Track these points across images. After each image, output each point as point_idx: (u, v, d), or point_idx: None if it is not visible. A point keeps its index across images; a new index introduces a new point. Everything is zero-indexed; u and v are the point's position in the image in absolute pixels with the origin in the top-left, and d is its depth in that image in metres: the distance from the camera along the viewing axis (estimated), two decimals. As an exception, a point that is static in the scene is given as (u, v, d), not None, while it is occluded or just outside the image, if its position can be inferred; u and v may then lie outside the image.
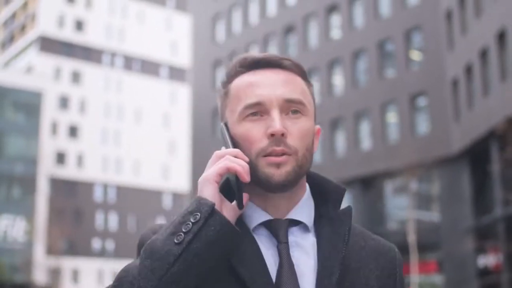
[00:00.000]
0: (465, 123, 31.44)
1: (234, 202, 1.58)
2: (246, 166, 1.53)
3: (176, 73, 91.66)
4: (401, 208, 35.56)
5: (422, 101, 36.10)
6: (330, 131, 39.72)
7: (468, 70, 31.09)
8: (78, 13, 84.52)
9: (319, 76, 41.10)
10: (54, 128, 78.59)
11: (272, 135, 1.55)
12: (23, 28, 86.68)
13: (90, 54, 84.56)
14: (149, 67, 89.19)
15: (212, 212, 1.48)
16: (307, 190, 1.68)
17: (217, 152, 1.57)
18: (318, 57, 41.41)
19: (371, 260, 1.66)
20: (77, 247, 77.01)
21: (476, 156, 30.90)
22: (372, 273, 1.64)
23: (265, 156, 1.56)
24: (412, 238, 31.13)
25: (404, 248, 30.14)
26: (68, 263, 71.62)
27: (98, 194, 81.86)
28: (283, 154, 1.55)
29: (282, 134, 1.54)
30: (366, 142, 38.50)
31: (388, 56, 38.12)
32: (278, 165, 1.55)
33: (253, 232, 1.61)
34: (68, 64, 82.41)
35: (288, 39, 44.16)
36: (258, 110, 1.58)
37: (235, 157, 1.54)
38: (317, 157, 39.16)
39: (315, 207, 1.68)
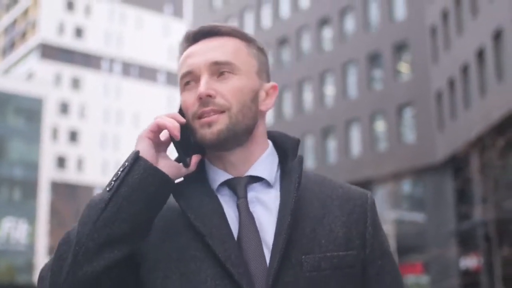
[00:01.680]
0: (448, 133, 32.95)
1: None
2: (177, 124, 1.60)
3: (173, 79, 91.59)
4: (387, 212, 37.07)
5: (409, 112, 37.53)
6: (321, 139, 41.17)
7: (451, 83, 32.69)
8: (77, 20, 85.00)
9: (311, 86, 42.65)
10: (55, 133, 78.72)
11: (200, 98, 1.62)
12: (24, 35, 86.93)
13: (89, 60, 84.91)
14: (147, 73, 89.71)
15: (136, 158, 1.56)
16: (269, 147, 1.74)
17: (156, 115, 1.64)
18: (310, 67, 42.79)
19: (337, 207, 1.68)
20: (77, 249, 77.56)
21: (458, 164, 32.32)
22: (338, 219, 1.66)
23: (198, 118, 1.64)
24: (391, 242, 32.52)
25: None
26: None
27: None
28: (214, 113, 1.62)
29: (210, 96, 1.62)
30: (356, 150, 39.87)
31: (377, 68, 39.54)
32: (209, 125, 1.62)
33: (217, 192, 1.68)
34: (68, 71, 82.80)
35: (282, 50, 45.60)
36: (191, 79, 1.67)
37: (172, 117, 1.63)
38: (310, 162, 40.80)
39: (280, 163, 1.74)
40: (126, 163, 1.57)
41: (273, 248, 1.59)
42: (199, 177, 1.70)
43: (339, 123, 40.64)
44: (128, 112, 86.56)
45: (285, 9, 46.22)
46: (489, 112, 27.76)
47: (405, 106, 37.57)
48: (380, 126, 38.91)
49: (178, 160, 1.67)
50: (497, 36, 27.40)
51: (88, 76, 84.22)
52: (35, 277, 62.82)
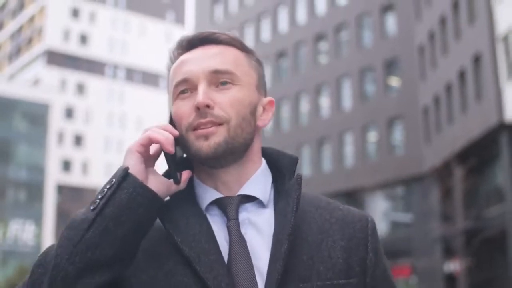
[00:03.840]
0: (434, 145, 34.73)
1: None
2: (171, 137, 1.47)
3: None
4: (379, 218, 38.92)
5: (398, 124, 39.32)
6: (316, 149, 42.90)
7: (437, 100, 34.59)
8: (82, 27, 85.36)
9: (307, 98, 44.42)
10: (60, 137, 79.46)
11: (198, 108, 1.49)
12: (29, 42, 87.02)
13: (94, 66, 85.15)
14: (149, 78, 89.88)
15: (125, 175, 1.43)
16: (263, 165, 1.61)
17: (147, 127, 1.51)
18: (307, 80, 44.49)
19: (336, 231, 1.56)
20: (82, 249, 77.89)
21: (443, 175, 33.84)
22: (337, 244, 1.54)
23: (194, 130, 1.51)
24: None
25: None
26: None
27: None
28: (212, 125, 1.50)
29: (208, 106, 1.49)
30: (349, 160, 41.56)
31: (369, 82, 41.30)
32: (206, 137, 1.50)
33: (206, 212, 1.55)
34: (73, 76, 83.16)
35: (280, 63, 47.34)
36: (187, 87, 1.54)
37: (164, 130, 1.49)
38: (305, 171, 42.24)
39: (274, 182, 1.61)
40: (113, 180, 1.43)
41: (268, 276, 1.46)
42: (186, 195, 1.57)
43: (333, 134, 42.28)
44: (131, 117, 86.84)
45: (283, 24, 47.97)
46: (469, 129, 29.69)
47: (395, 119, 39.35)
48: (372, 137, 40.64)
49: (166, 175, 1.55)
50: (477, 59, 29.34)
51: (92, 81, 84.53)
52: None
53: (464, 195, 31.25)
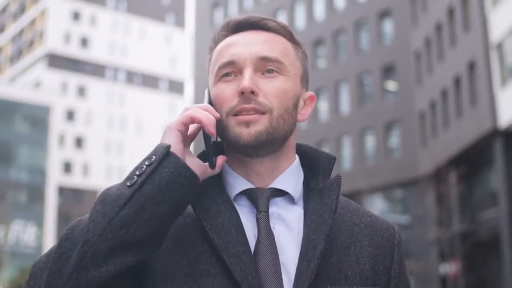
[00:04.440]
0: (430, 150, 35.25)
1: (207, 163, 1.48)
2: (212, 118, 1.42)
3: (175, 86, 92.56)
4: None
5: (395, 129, 39.90)
6: None
7: (433, 105, 35.12)
8: (83, 30, 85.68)
9: (306, 101, 44.91)
10: (62, 140, 79.24)
11: (242, 92, 1.45)
12: (31, 44, 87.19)
13: (94, 69, 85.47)
14: (149, 81, 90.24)
15: (167, 153, 1.38)
16: (296, 160, 1.57)
17: (187, 106, 1.47)
18: None
19: (364, 237, 1.52)
20: (83, 251, 78.13)
21: (439, 178, 34.08)
22: (365, 250, 1.51)
23: (235, 115, 1.46)
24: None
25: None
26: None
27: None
28: (254, 112, 1.45)
29: (253, 92, 1.45)
30: (347, 163, 42.18)
31: (367, 87, 41.91)
32: (247, 124, 1.45)
33: (234, 201, 1.51)
34: (74, 79, 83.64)
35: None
36: (231, 70, 1.49)
37: (205, 110, 1.44)
38: None
39: (306, 180, 1.56)
40: (154, 157, 1.37)
41: (297, 275, 1.41)
42: (215, 181, 1.51)
43: (332, 137, 42.91)
44: (132, 119, 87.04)
45: (282, 29, 48.56)
46: (464, 134, 30.23)
47: (392, 123, 39.93)
48: (369, 141, 41.23)
49: (201, 158, 1.51)
50: (471, 66, 29.90)
51: (93, 84, 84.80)
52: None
53: (459, 198, 31.79)
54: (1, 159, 66.64)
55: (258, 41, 1.51)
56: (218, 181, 1.52)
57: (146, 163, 1.37)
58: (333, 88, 43.67)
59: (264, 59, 1.48)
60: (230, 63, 1.49)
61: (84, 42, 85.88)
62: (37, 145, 68.28)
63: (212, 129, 1.41)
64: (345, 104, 43.15)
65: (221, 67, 1.50)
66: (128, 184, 1.35)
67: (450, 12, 32.61)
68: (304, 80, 1.57)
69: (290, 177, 1.53)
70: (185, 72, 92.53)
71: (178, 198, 1.36)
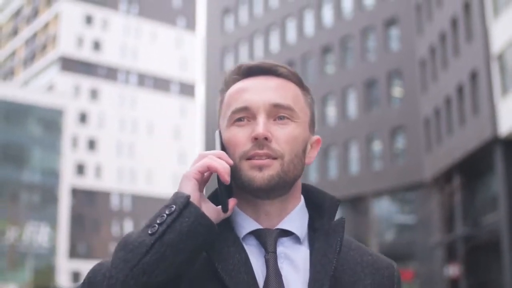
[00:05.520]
0: (435, 155, 35.91)
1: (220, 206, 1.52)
2: (227, 166, 1.47)
3: (185, 89, 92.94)
4: (384, 223, 40.18)
5: (401, 134, 40.56)
6: (323, 157, 44.08)
7: (437, 112, 35.82)
8: (95, 34, 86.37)
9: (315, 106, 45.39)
10: (74, 142, 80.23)
11: (256, 138, 1.49)
12: (44, 48, 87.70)
13: (106, 72, 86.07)
14: (161, 84, 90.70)
15: (187, 204, 1.43)
16: (302, 201, 1.61)
17: (201, 152, 1.51)
18: (314, 90, 44.02)
19: (367, 275, 1.57)
20: (96, 251, 78.04)
21: (442, 183, 35.38)
22: None
23: (248, 159, 1.51)
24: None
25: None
26: (87, 266, 69.38)
27: (114, 203, 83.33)
28: (267, 157, 1.50)
29: (266, 138, 1.49)
30: (354, 167, 42.88)
31: (373, 93, 42.54)
32: (260, 168, 1.50)
33: (243, 241, 1.54)
34: (87, 82, 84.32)
35: (289, 73, 48.36)
36: (245, 115, 1.53)
37: (219, 158, 1.49)
38: (312, 178, 43.55)
39: (311, 220, 1.61)
40: (174, 207, 1.43)
41: None
42: (225, 221, 1.55)
43: (339, 142, 43.61)
44: (143, 121, 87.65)
45: (291, 35, 49.37)
46: (467, 141, 30.99)
47: (397, 129, 40.63)
48: (376, 145, 41.91)
49: (212, 199, 1.55)
50: (474, 76, 30.64)
51: (105, 87, 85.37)
52: (57, 278, 65.18)
53: (462, 203, 32.59)
54: (15, 161, 67.36)
55: (270, 87, 1.56)
56: (227, 222, 1.56)
57: (167, 212, 1.43)
58: (341, 93, 44.34)
59: (277, 106, 1.53)
60: (244, 109, 1.53)
61: (96, 45, 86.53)
62: (50, 147, 69.28)
63: (227, 178, 1.47)
64: (353, 109, 43.76)
65: (234, 112, 1.54)
66: (149, 232, 1.41)
67: (454, 22, 33.20)
68: (312, 125, 1.62)
69: (297, 217, 1.58)
70: (196, 74, 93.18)
71: (197, 246, 1.42)
